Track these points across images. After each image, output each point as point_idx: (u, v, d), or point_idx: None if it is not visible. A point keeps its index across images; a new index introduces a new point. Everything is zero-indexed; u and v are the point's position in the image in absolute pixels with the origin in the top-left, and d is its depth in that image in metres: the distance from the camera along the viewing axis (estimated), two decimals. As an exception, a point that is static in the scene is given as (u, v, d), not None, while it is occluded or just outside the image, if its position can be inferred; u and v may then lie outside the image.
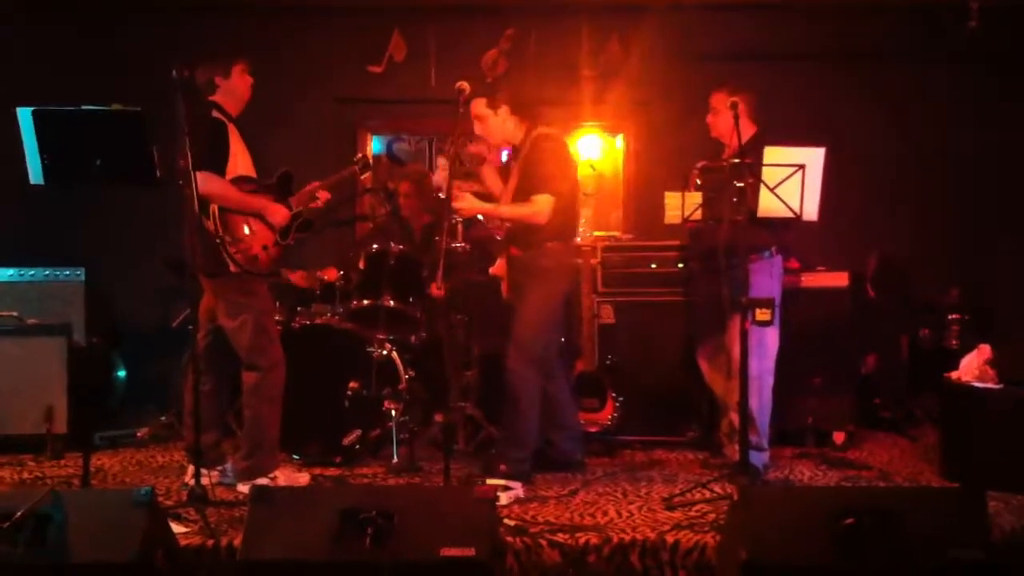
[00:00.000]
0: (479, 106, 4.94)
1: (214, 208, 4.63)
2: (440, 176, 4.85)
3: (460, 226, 5.63)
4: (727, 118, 5.13)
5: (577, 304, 6.01)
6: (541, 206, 4.85)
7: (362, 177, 5.41)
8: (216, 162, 4.64)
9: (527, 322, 4.90)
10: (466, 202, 4.90)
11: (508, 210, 5.03)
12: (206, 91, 4.87)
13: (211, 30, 6.74)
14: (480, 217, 5.33)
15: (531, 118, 5.05)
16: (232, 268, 4.68)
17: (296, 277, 6.09)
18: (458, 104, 4.85)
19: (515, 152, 5.09)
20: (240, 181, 4.77)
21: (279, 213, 4.88)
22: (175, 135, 4.43)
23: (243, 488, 4.68)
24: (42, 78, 6.67)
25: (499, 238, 5.18)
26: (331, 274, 5.92)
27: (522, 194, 4.94)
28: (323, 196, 5.08)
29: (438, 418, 5.78)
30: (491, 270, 5.15)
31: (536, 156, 4.93)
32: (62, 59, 6.78)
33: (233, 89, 4.88)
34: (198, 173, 4.45)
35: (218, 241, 4.62)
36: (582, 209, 6.08)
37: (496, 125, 4.99)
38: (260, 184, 4.90)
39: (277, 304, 5.85)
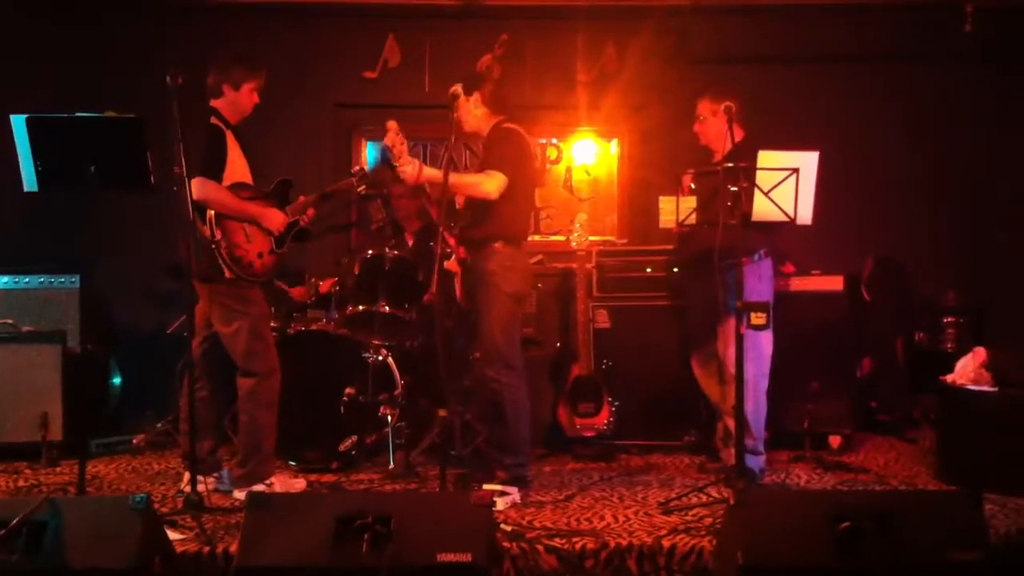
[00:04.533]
0: (455, 89, 4.94)
1: (211, 214, 4.63)
2: (389, 137, 4.76)
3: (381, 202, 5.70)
4: (716, 124, 5.15)
5: (571, 308, 6.03)
6: (492, 179, 4.82)
7: (359, 189, 5.41)
8: (213, 168, 4.65)
9: (490, 332, 4.89)
10: (413, 167, 4.80)
11: (460, 177, 4.98)
12: (211, 94, 4.88)
13: (206, 35, 6.73)
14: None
15: (502, 113, 5.05)
16: (227, 274, 4.68)
17: (296, 292, 6.08)
18: (451, 109, 4.87)
19: (477, 146, 5.09)
20: (237, 188, 4.77)
21: (276, 219, 4.88)
22: (170, 140, 4.43)
23: (239, 495, 4.68)
24: (35, 83, 6.65)
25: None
26: (326, 284, 5.91)
27: None
28: (310, 212, 5.10)
29: (441, 414, 5.75)
30: (446, 264, 5.12)
31: (495, 141, 4.95)
32: (55, 63, 6.77)
33: (237, 101, 4.90)
34: (195, 179, 4.45)
35: (214, 247, 4.62)
36: (579, 214, 6.12)
37: (467, 111, 4.99)
38: (257, 191, 4.90)
39: (272, 310, 5.86)
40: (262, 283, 4.93)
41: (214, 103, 4.87)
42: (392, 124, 4.79)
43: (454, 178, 4.91)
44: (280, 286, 5.92)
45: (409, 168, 4.80)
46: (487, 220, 4.91)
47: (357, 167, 5.41)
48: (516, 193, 4.91)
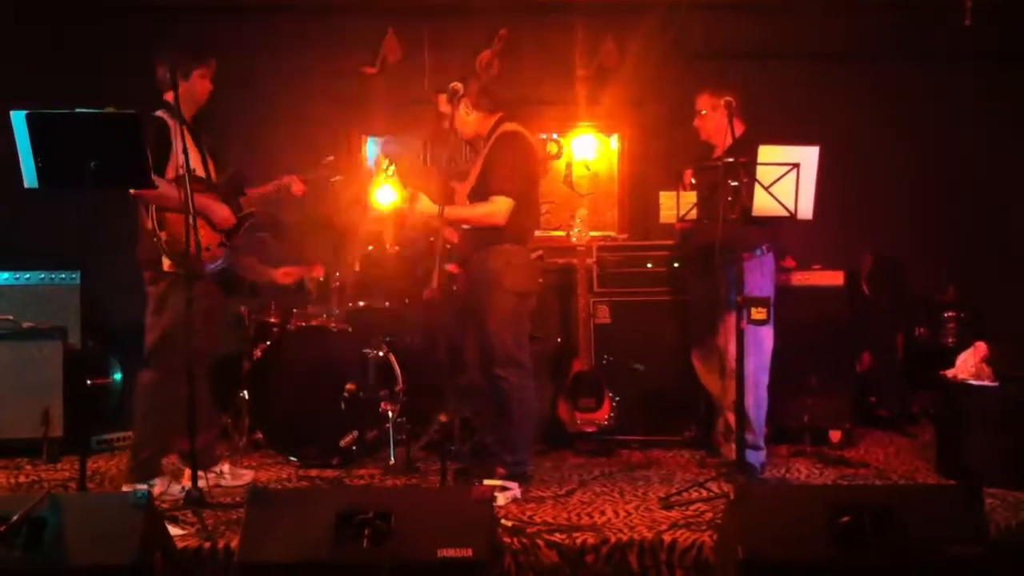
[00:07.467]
0: (442, 102, 4.93)
1: (152, 207, 4.60)
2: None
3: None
4: (716, 118, 5.16)
5: (572, 304, 6.03)
6: (498, 207, 4.82)
7: (332, 180, 5.32)
8: (153, 161, 4.58)
9: (495, 330, 4.87)
10: (422, 203, 4.84)
11: (464, 211, 4.98)
12: (161, 88, 4.80)
13: (205, 31, 6.71)
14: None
15: (495, 110, 5.03)
16: (166, 266, 4.65)
17: (280, 275, 5.92)
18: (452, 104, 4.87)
19: (479, 145, 5.08)
20: (183, 180, 4.71)
21: (221, 214, 4.84)
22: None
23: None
24: (34, 79, 6.65)
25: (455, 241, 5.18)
26: (318, 271, 5.87)
27: (480, 191, 4.92)
28: (298, 190, 5.06)
29: (442, 418, 5.77)
30: (449, 268, 5.12)
31: (498, 155, 4.91)
32: (55, 60, 6.77)
33: (190, 92, 4.80)
34: None
35: (155, 239, 4.59)
36: (579, 210, 6.12)
37: (460, 120, 4.97)
38: (207, 184, 4.85)
39: (272, 306, 5.85)
40: (208, 276, 4.83)
41: (165, 96, 4.78)
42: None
43: (461, 213, 4.94)
44: (266, 274, 5.84)
45: (419, 206, 4.85)
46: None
47: (330, 157, 5.32)
48: (521, 196, 4.89)
